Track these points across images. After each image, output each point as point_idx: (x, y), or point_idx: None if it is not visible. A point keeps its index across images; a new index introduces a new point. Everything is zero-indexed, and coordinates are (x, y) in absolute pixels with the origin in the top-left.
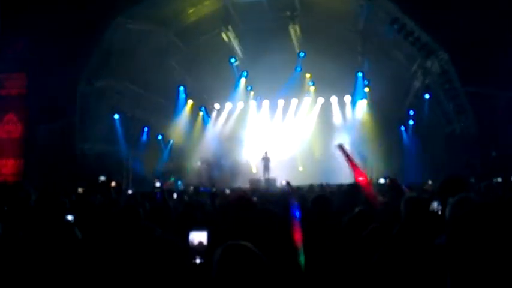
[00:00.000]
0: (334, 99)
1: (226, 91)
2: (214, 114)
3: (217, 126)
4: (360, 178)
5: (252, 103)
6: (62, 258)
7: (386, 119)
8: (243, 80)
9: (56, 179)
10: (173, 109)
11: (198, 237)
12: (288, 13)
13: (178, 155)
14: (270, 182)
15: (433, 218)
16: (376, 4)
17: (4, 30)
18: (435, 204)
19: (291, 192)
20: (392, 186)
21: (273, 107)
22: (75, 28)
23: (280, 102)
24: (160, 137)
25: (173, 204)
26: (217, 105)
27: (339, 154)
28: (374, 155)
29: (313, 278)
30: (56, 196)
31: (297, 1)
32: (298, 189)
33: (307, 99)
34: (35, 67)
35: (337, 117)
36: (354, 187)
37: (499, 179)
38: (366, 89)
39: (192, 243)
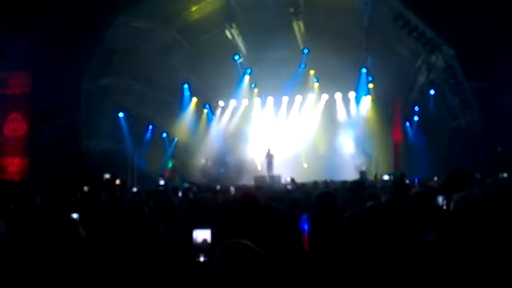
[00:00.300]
0: (338, 95)
1: (231, 88)
2: (218, 111)
3: (221, 123)
4: None
5: (256, 100)
6: (66, 256)
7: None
8: (247, 77)
9: (61, 177)
10: (177, 107)
11: (202, 235)
12: (292, 9)
13: (182, 153)
14: (274, 179)
15: (438, 212)
16: (380, 0)
17: (6, 29)
18: (440, 199)
19: (300, 205)
20: (399, 182)
21: (277, 104)
22: (78, 27)
23: (285, 99)
24: (164, 134)
25: (178, 202)
26: (221, 103)
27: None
28: (378, 151)
29: (316, 273)
30: (61, 194)
31: None
32: (303, 185)
33: (312, 96)
34: (39, 66)
35: (341, 114)
36: (358, 184)
37: (505, 174)
38: (370, 85)
39: (196, 241)
